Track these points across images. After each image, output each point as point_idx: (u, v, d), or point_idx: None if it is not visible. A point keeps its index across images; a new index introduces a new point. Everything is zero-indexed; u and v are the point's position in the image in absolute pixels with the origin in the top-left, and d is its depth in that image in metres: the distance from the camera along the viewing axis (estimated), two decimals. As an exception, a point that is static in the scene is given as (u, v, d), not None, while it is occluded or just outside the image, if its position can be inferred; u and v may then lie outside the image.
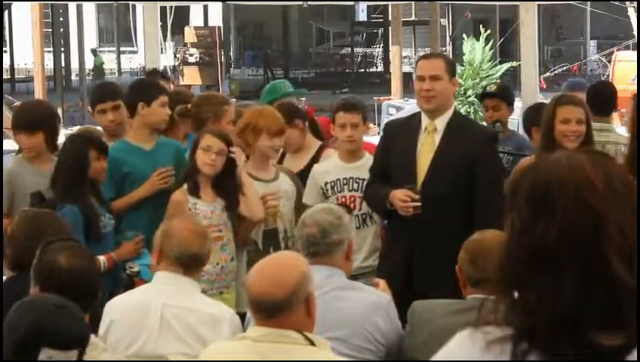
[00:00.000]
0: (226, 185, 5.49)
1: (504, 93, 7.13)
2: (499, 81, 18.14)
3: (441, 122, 5.28)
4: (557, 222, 1.65)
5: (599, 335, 1.62)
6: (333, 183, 5.76)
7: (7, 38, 34.33)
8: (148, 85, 6.18)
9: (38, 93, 18.99)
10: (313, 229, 4.08)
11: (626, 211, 1.65)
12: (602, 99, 6.89)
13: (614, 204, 1.65)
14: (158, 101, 5.78)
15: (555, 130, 5.43)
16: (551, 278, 1.64)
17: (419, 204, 5.12)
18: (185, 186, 5.46)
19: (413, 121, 5.40)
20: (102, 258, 5.31)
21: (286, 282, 3.21)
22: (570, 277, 1.63)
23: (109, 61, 36.32)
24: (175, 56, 28.18)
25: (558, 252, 1.64)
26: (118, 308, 4.14)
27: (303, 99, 8.07)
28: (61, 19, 29.02)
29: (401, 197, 5.15)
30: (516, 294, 1.69)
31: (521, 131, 8.01)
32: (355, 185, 5.71)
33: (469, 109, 17.88)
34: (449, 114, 5.31)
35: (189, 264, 4.14)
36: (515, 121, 11.01)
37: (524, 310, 1.65)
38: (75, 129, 6.63)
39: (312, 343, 3.20)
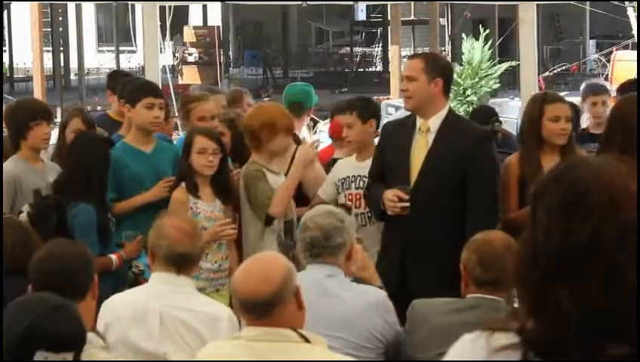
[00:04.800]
0: (223, 181, 5.55)
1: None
2: (498, 81, 18.15)
3: (435, 122, 5.27)
4: (591, 225, 1.65)
5: (608, 344, 1.63)
6: (343, 180, 5.82)
7: (6, 37, 34.29)
8: (134, 85, 6.15)
9: (37, 93, 18.95)
10: (316, 233, 4.09)
11: None
12: None
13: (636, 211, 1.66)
14: (141, 103, 5.78)
15: (542, 128, 5.42)
16: (576, 281, 1.65)
17: (407, 204, 5.12)
18: (183, 185, 5.48)
19: (408, 121, 5.40)
20: (113, 256, 5.35)
21: (273, 277, 3.22)
22: (597, 281, 1.64)
23: (108, 60, 36.30)
24: (174, 56, 28.18)
25: (588, 254, 1.65)
26: (113, 310, 4.12)
27: None
28: (60, 18, 28.99)
29: (390, 197, 5.15)
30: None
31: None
32: (362, 183, 5.74)
33: (467, 109, 17.86)
34: (442, 114, 5.29)
35: (181, 264, 4.10)
36: (514, 120, 10.97)
37: (554, 311, 1.65)
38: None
39: (307, 340, 3.20)
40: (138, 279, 5.37)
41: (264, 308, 3.20)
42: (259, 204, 5.50)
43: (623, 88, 7.14)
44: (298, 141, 6.51)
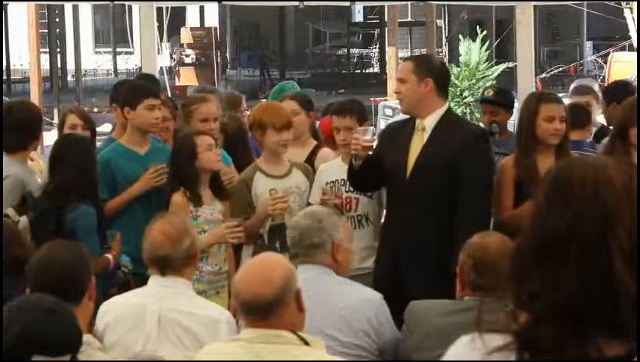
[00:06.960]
0: (219, 181, 5.58)
1: (502, 98, 7.08)
2: (495, 82, 18.15)
3: (431, 122, 5.29)
4: (570, 213, 1.67)
5: (601, 341, 1.62)
6: (332, 183, 5.76)
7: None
8: (133, 88, 6.14)
9: (34, 94, 18.94)
10: (294, 233, 4.21)
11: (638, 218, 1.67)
12: None
13: (629, 207, 1.66)
14: (142, 104, 5.76)
15: (537, 127, 5.40)
16: (556, 266, 1.65)
17: (369, 144, 5.22)
18: (182, 189, 5.46)
19: (409, 121, 5.43)
20: (110, 256, 5.34)
21: (275, 280, 3.23)
22: (573, 268, 1.64)
23: (105, 62, 36.30)
24: (171, 57, 28.17)
25: (567, 242, 1.66)
26: (112, 311, 4.12)
27: None
28: (57, 20, 28.99)
29: (355, 136, 5.27)
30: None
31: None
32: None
33: (465, 110, 17.89)
34: (438, 114, 5.30)
35: (162, 266, 4.07)
36: (511, 122, 10.98)
37: (527, 297, 1.66)
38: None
39: (307, 343, 3.21)
40: (127, 278, 5.38)
41: (265, 310, 3.21)
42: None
43: (608, 90, 7.13)
44: (316, 135, 6.45)
